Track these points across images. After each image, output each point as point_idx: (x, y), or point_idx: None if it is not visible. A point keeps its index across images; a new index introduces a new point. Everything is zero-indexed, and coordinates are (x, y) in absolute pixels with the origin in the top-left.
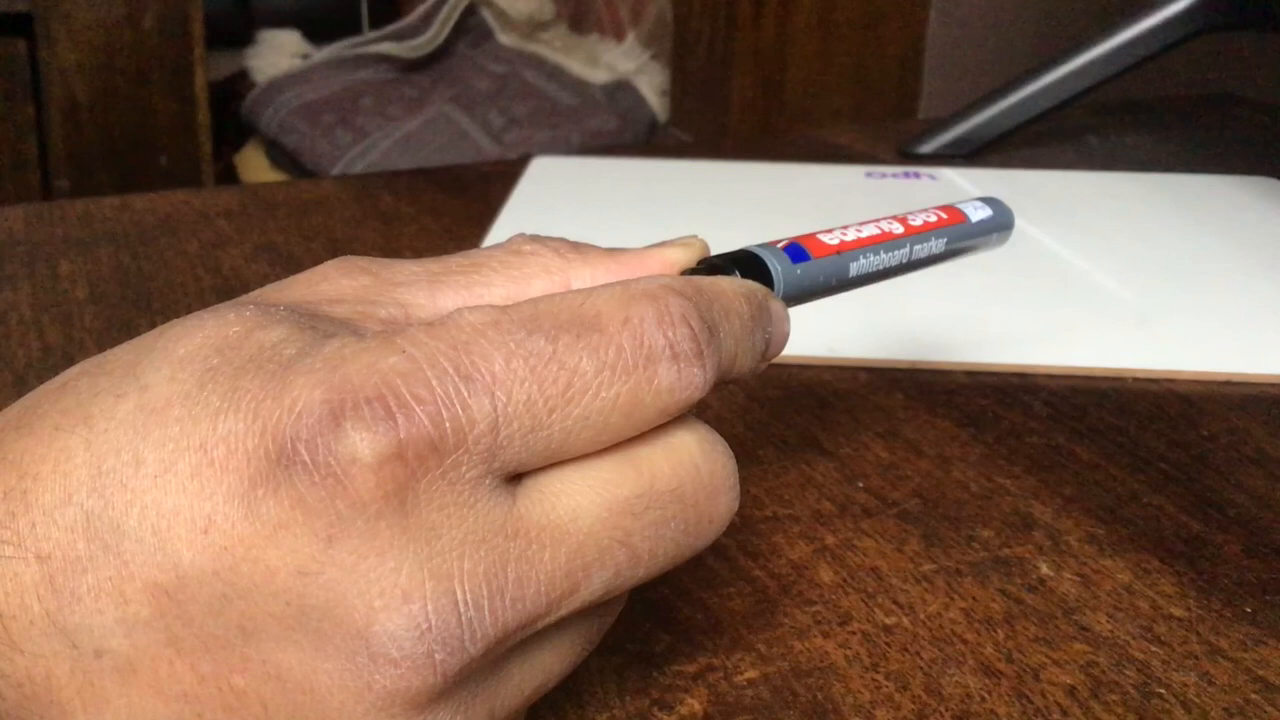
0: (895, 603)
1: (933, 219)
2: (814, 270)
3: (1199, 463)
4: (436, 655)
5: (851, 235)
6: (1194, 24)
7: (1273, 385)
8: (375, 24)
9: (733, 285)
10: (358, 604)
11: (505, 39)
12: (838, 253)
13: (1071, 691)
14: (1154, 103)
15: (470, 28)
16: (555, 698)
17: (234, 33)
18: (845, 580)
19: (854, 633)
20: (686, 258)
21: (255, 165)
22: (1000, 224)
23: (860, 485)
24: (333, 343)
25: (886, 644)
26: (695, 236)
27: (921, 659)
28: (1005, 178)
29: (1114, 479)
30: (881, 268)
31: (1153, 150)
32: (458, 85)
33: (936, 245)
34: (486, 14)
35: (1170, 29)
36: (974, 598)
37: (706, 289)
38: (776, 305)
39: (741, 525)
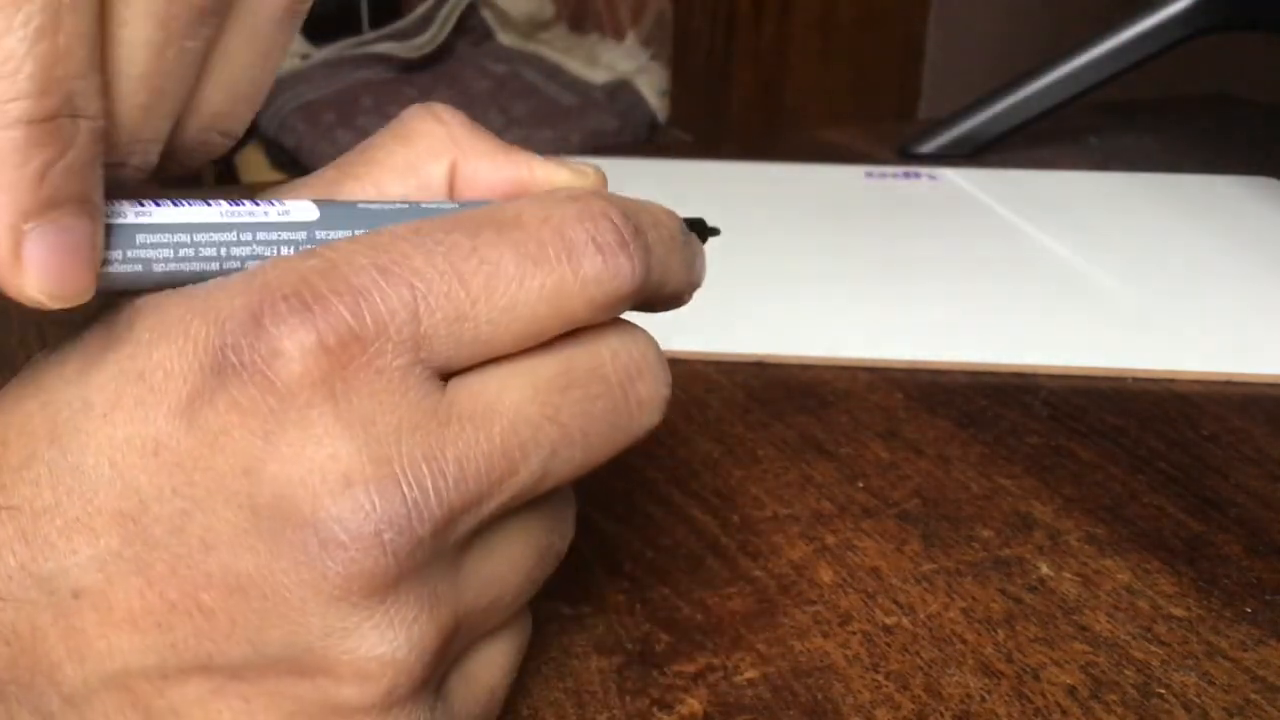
0: (895, 603)
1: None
2: None
3: (1199, 463)
4: (385, 535)
5: None
6: (1194, 24)
7: (1273, 385)
8: (375, 24)
9: (657, 204)
10: (302, 492)
11: (505, 39)
12: None
13: (1071, 691)
14: (1154, 103)
15: (470, 28)
16: (555, 697)
17: None
18: (845, 580)
19: (854, 633)
20: (579, 183)
21: (255, 165)
22: None
23: (860, 485)
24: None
25: (886, 644)
26: (593, 167)
27: (921, 659)
28: (1005, 178)
29: (1114, 479)
30: None
31: (1153, 150)
32: (458, 85)
33: None
34: (486, 14)
35: (1170, 29)
36: (974, 598)
37: (629, 199)
38: (696, 241)
39: (741, 525)
